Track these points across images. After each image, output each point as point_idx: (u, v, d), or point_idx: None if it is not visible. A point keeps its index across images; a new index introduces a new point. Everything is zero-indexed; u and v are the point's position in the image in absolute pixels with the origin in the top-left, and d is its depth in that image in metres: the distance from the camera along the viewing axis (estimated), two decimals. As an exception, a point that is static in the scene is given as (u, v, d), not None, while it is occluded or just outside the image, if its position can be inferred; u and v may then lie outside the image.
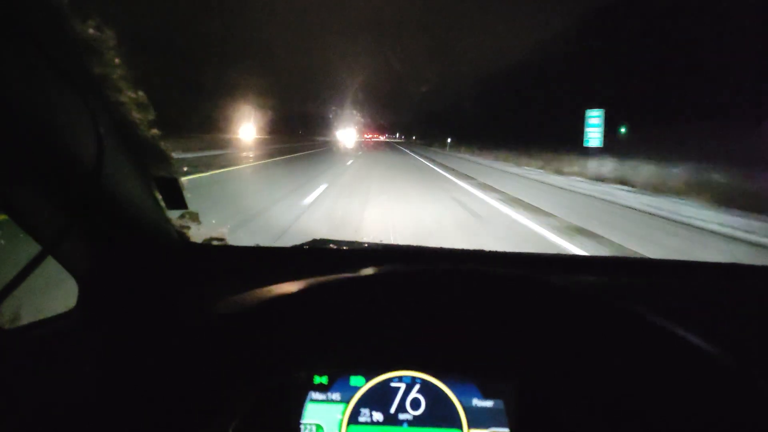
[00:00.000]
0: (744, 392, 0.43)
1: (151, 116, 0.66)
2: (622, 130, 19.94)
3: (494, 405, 0.65)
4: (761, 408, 0.42)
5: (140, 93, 0.62)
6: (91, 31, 0.52)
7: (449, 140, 41.75)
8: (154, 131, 0.67)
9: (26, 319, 0.72)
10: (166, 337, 0.57)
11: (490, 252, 0.90)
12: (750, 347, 0.65)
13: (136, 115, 0.63)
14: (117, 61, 0.56)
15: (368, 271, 0.54)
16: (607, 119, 17.10)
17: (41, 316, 0.71)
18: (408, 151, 31.95)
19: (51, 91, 0.51)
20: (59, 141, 0.52)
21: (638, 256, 3.96)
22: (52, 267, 0.66)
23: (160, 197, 0.77)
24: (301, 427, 0.65)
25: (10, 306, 0.77)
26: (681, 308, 0.73)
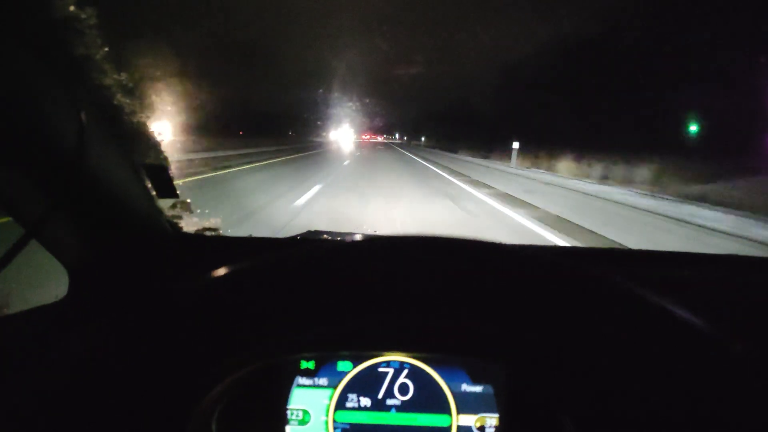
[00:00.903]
0: (749, 381, 0.43)
1: (137, 100, 0.65)
2: (692, 128, 14.68)
3: (483, 390, 0.65)
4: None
5: (125, 75, 0.61)
6: (71, 8, 0.51)
7: (516, 146, 20.33)
8: (141, 116, 0.67)
9: (17, 308, 0.72)
10: (155, 325, 0.56)
11: (486, 241, 0.89)
12: (750, 339, 0.65)
13: (121, 99, 0.62)
14: (99, 41, 0.55)
15: (349, 244, 0.53)
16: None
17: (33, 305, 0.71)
18: (440, 171, 15.09)
19: (28, 71, 0.50)
20: (38, 123, 0.52)
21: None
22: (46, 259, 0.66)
23: (149, 185, 0.77)
24: (288, 412, 0.65)
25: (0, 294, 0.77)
26: (678, 298, 0.73)
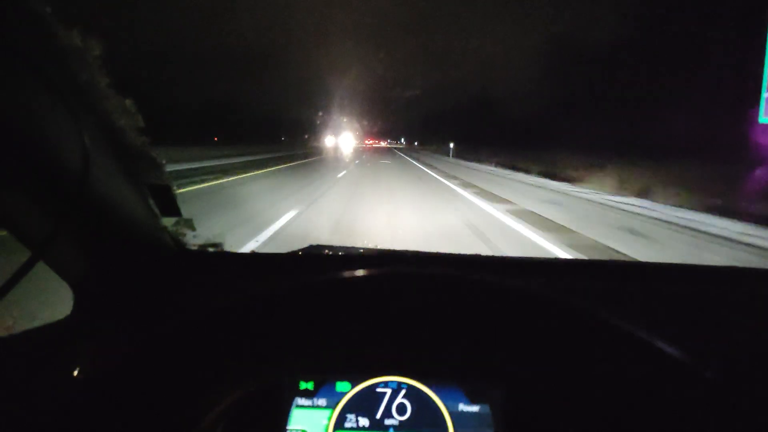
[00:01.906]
0: (729, 404, 0.44)
1: (140, 123, 0.66)
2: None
3: (480, 410, 0.65)
4: (745, 419, 0.42)
5: (128, 100, 0.63)
6: (75, 37, 0.52)
7: None
8: (143, 138, 0.68)
9: (22, 326, 0.73)
10: (157, 345, 0.57)
11: (486, 257, 0.90)
12: (747, 351, 0.65)
13: (124, 122, 0.64)
14: (102, 68, 0.56)
15: (351, 273, 0.54)
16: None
17: (37, 324, 0.72)
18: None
19: (34, 98, 0.51)
20: (43, 148, 0.53)
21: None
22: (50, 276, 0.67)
23: (153, 205, 0.78)
24: None
25: (5, 313, 0.78)
26: (675, 313, 0.74)
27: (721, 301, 0.78)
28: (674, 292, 0.81)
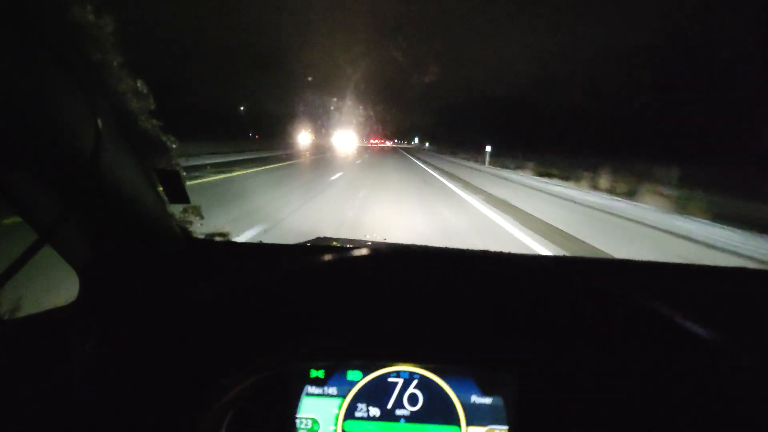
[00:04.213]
0: (756, 388, 0.42)
1: (151, 106, 0.65)
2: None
3: (493, 401, 0.64)
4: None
5: (140, 82, 0.62)
6: (89, 17, 0.51)
7: None
8: (154, 121, 0.67)
9: (27, 310, 0.72)
10: (164, 329, 0.57)
11: (495, 252, 0.89)
12: (757, 350, 0.64)
13: (135, 104, 0.63)
14: (116, 48, 0.56)
15: (362, 253, 0.53)
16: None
17: (43, 308, 0.72)
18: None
19: (48, 77, 0.51)
20: (55, 128, 0.52)
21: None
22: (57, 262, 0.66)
23: (161, 190, 0.77)
24: (297, 421, 0.64)
25: (10, 297, 0.77)
26: (688, 310, 0.72)
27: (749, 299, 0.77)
28: (694, 288, 0.80)
